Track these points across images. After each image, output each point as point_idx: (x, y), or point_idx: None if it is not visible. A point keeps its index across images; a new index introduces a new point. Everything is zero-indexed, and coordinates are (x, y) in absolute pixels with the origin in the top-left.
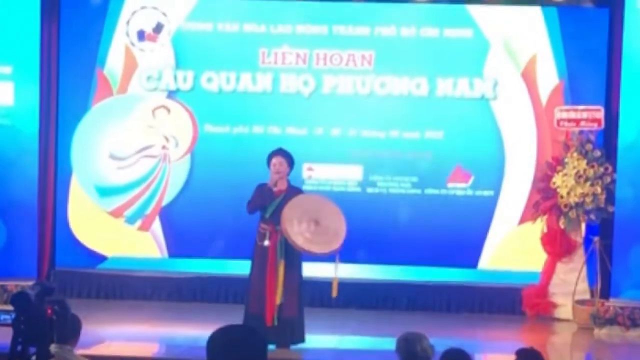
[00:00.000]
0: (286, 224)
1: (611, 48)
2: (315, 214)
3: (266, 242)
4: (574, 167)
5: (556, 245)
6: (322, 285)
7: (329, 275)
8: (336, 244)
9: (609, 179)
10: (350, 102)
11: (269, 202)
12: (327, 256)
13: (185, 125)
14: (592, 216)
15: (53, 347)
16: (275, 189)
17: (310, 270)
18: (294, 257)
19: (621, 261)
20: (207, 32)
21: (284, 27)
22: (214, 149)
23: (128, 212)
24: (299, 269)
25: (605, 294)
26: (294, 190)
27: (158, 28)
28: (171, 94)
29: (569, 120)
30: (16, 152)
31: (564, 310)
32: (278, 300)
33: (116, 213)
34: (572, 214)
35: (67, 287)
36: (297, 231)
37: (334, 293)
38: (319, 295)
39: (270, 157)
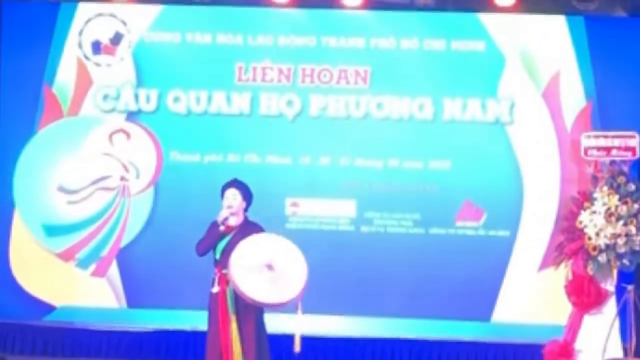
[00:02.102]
0: (233, 271)
1: None
2: (268, 258)
3: (215, 289)
4: (604, 204)
5: (583, 295)
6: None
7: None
8: (294, 291)
9: None
10: (341, 126)
11: (217, 240)
12: (286, 306)
13: (148, 153)
14: (626, 261)
15: None
16: (222, 227)
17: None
18: (249, 307)
19: None
20: (174, 44)
21: (265, 38)
22: (181, 181)
23: (80, 255)
24: (256, 321)
25: None
26: (249, 227)
27: (116, 39)
28: (131, 116)
29: (598, 149)
30: None
31: None
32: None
33: (66, 255)
34: (602, 258)
35: (8, 342)
36: (247, 279)
37: (297, 348)
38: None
39: (223, 189)
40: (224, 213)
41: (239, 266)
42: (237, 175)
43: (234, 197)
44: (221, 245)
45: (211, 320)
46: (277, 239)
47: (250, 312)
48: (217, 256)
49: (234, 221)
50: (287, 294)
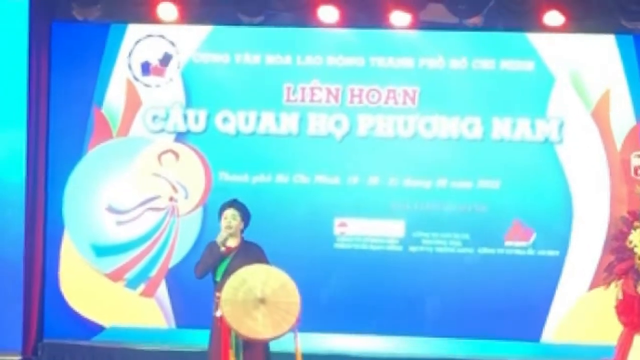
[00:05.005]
0: (225, 308)
1: None
2: (260, 292)
3: (218, 312)
4: None
5: (633, 315)
6: None
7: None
8: (287, 324)
9: None
10: (390, 146)
11: (217, 262)
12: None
13: (197, 173)
14: None
15: None
16: (223, 248)
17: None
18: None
19: None
20: (223, 65)
21: (313, 59)
22: None
23: (129, 275)
24: (262, 345)
25: None
26: (249, 248)
27: (165, 60)
28: (180, 137)
29: None
30: None
31: None
32: None
33: (115, 276)
34: None
35: None
36: (239, 316)
37: None
38: None
39: (222, 209)
40: (223, 234)
41: (232, 304)
42: (285, 196)
43: (233, 217)
44: (222, 267)
45: (213, 344)
46: (265, 270)
47: (256, 343)
48: (218, 279)
49: (232, 242)
50: (281, 327)
